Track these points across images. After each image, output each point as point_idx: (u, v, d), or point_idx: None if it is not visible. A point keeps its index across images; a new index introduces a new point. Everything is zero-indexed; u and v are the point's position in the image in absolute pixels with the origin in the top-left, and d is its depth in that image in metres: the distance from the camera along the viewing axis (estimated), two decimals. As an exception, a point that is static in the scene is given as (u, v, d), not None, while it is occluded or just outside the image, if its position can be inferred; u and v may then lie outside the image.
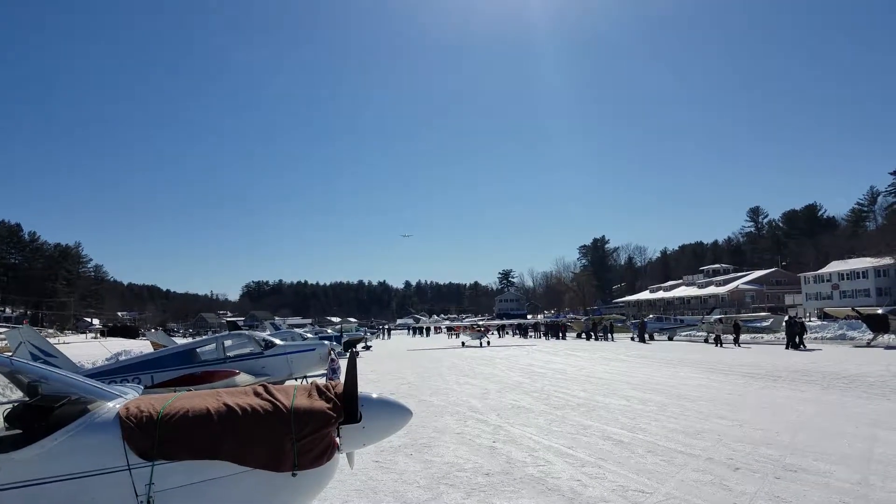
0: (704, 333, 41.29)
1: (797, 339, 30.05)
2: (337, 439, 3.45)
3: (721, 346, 34.38)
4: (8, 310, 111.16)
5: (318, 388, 3.62)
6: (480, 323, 52.62)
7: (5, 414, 3.52)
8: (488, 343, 44.81)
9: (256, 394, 3.47)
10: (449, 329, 77.75)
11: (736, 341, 35.40)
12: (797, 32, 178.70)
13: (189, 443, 3.12)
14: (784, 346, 30.40)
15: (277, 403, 3.35)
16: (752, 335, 39.80)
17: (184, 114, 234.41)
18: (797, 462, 7.21)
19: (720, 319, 40.20)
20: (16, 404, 3.60)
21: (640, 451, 8.02)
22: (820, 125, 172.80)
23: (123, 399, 3.39)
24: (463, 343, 46.06)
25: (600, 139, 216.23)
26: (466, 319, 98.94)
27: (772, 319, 43.77)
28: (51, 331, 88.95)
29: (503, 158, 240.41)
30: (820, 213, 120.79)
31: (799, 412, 10.91)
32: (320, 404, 3.40)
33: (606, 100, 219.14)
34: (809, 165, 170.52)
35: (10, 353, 3.81)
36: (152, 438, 3.07)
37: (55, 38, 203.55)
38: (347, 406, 3.48)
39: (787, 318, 36.42)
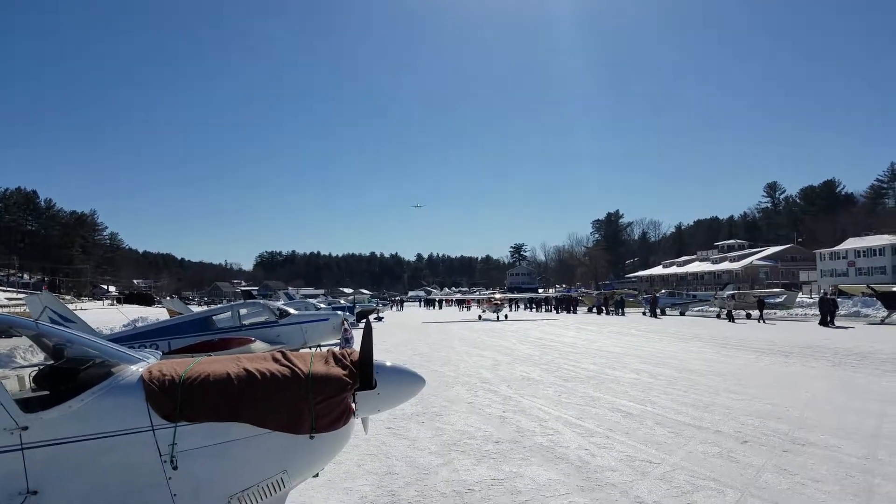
0: (717, 309, 41.20)
1: (829, 317, 29.71)
2: (353, 405, 3.55)
3: (734, 321, 34.30)
4: (26, 276, 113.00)
5: (334, 354, 3.70)
6: (497, 296, 50.04)
7: (33, 375, 3.64)
8: (506, 317, 42.97)
9: (275, 359, 3.56)
10: (460, 302, 78.02)
11: (760, 317, 35.14)
12: (817, 6, 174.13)
13: (210, 405, 3.22)
14: (818, 323, 30.05)
15: (295, 369, 3.44)
16: (765, 311, 39.55)
17: (200, 83, 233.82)
18: (805, 436, 7.28)
19: (733, 295, 39.98)
20: (42, 366, 3.71)
21: (648, 423, 8.12)
22: (840, 100, 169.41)
23: (146, 363, 3.49)
24: (479, 316, 44.51)
25: (615, 113, 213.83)
26: (477, 293, 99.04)
27: (785, 296, 43.54)
28: (68, 297, 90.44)
29: (517, 132, 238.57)
30: (838, 189, 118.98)
31: (809, 387, 10.95)
32: (337, 371, 3.49)
33: (622, 73, 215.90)
34: (828, 141, 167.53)
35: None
36: (175, 400, 3.17)
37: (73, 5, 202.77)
38: (363, 373, 3.57)
39: (820, 294, 36.04)
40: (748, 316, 38.16)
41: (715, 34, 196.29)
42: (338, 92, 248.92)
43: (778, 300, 42.18)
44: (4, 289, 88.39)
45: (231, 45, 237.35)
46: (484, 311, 46.73)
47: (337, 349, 3.91)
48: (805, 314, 41.72)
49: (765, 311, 36.17)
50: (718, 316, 39.85)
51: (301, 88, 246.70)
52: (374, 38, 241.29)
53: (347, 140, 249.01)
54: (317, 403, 3.34)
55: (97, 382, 3.20)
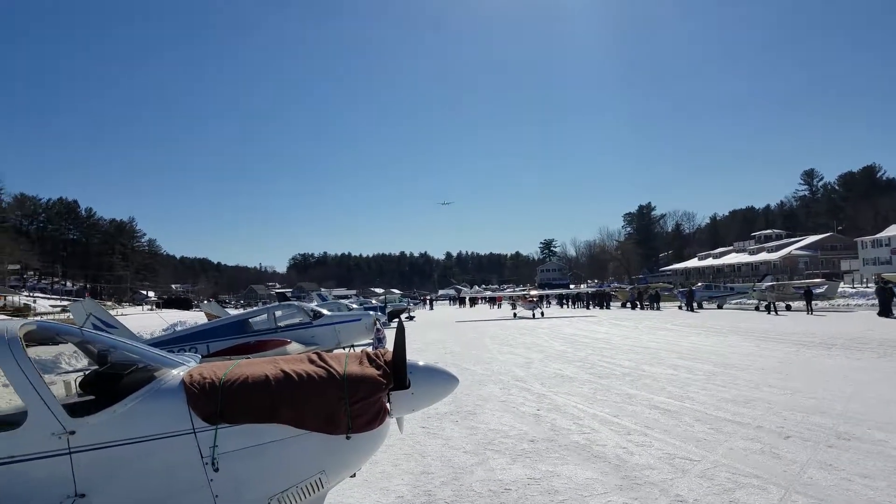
0: (756, 301, 40.34)
1: (888, 306, 28.56)
2: (388, 405, 3.58)
3: (776, 313, 33.51)
4: (69, 283, 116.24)
5: (368, 355, 3.74)
6: (533, 293, 48.09)
7: (79, 381, 3.75)
8: (542, 314, 41.42)
9: (311, 361, 3.61)
10: (491, 300, 77.70)
11: (808, 309, 34.27)
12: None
13: (250, 407, 3.29)
14: (877, 314, 29.08)
15: (331, 370, 3.49)
16: (796, 302, 38.63)
17: (230, 94, 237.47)
18: (850, 430, 7.09)
19: (773, 286, 39.02)
20: (88, 372, 3.83)
21: (687, 420, 7.99)
22: (877, 83, 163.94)
23: (186, 367, 3.57)
24: (515, 314, 42.84)
25: (645, 104, 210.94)
26: (507, 290, 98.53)
27: (826, 286, 42.43)
28: (109, 303, 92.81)
29: (543, 126, 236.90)
30: (879, 174, 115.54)
31: (853, 380, 10.66)
32: (371, 371, 3.53)
33: (652, 64, 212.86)
34: (866, 126, 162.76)
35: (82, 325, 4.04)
36: (215, 403, 3.24)
37: (109, 20, 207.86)
38: (397, 373, 3.60)
39: (878, 283, 34.89)
40: (788, 308, 37.30)
41: (746, 19, 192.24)
42: (366, 94, 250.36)
43: (819, 291, 41.11)
44: (49, 296, 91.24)
45: (265, 53, 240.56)
46: (515, 308, 46.18)
47: (370, 349, 3.94)
48: (848, 304, 40.62)
49: (796, 304, 35.34)
50: (757, 308, 39.03)
51: (329, 96, 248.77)
52: (396, 34, 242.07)
53: (375, 142, 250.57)
54: (353, 404, 3.38)
55: (140, 387, 3.29)
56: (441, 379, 3.86)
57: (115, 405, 3.16)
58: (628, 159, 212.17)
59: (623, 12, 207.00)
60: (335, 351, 13.98)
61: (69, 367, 13.51)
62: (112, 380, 3.40)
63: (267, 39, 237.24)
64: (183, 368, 3.53)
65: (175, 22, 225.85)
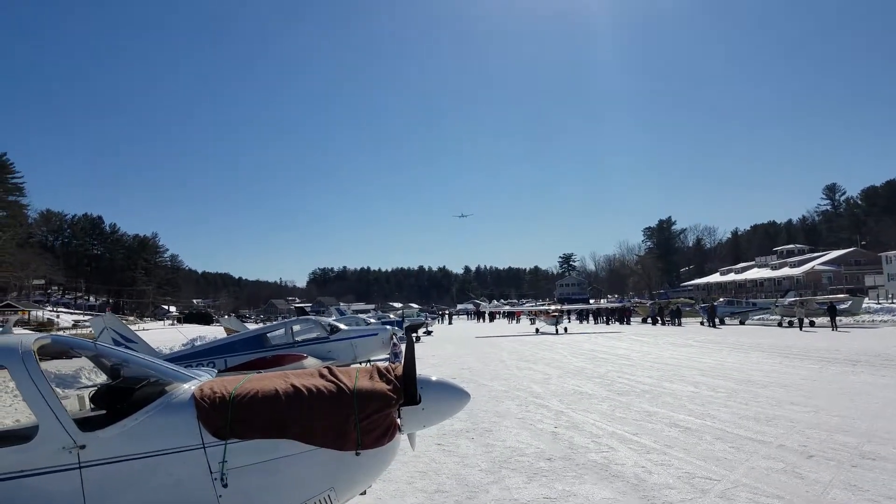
0: (778, 317, 39.68)
1: None
2: (398, 420, 3.54)
3: (802, 329, 32.85)
4: (92, 298, 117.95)
5: (379, 370, 3.71)
6: (552, 308, 46.51)
7: (91, 395, 3.77)
8: (565, 330, 39.61)
9: (321, 375, 3.59)
10: (509, 314, 77.29)
11: (832, 325, 33.66)
12: (868, 3, 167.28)
13: (259, 422, 3.27)
14: None
15: (341, 385, 3.46)
16: (821, 318, 37.81)
17: (250, 112, 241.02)
18: (876, 450, 6.90)
19: (801, 302, 38.22)
20: (100, 386, 3.84)
21: (708, 438, 7.84)
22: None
23: (198, 381, 3.57)
24: (537, 330, 40.46)
25: (664, 118, 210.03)
26: (526, 304, 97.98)
27: (850, 301, 41.64)
28: (131, 318, 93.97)
29: (563, 139, 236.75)
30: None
31: (878, 398, 10.40)
32: (381, 386, 3.50)
33: (671, 77, 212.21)
34: (888, 138, 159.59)
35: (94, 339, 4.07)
36: (225, 418, 3.23)
37: (130, 35, 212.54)
38: (407, 388, 3.56)
39: None
40: (812, 324, 36.64)
41: (765, 31, 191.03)
42: (385, 108, 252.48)
43: (843, 306, 40.33)
44: (73, 311, 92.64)
45: (285, 67, 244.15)
46: (534, 322, 45.46)
47: (382, 364, 3.91)
48: (873, 320, 39.81)
49: (820, 319, 34.71)
50: (780, 324, 38.40)
51: (349, 109, 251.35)
52: (419, 48, 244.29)
53: (393, 156, 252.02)
54: (362, 419, 3.35)
55: (151, 401, 3.30)
56: (452, 394, 3.82)
57: (126, 419, 3.17)
58: (648, 173, 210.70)
59: (644, 24, 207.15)
60: (352, 365, 13.98)
61: (89, 381, 13.66)
62: (123, 394, 3.41)
63: (286, 52, 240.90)
64: (194, 383, 3.53)
65: (196, 35, 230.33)
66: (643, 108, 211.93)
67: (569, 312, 63.97)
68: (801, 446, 7.21)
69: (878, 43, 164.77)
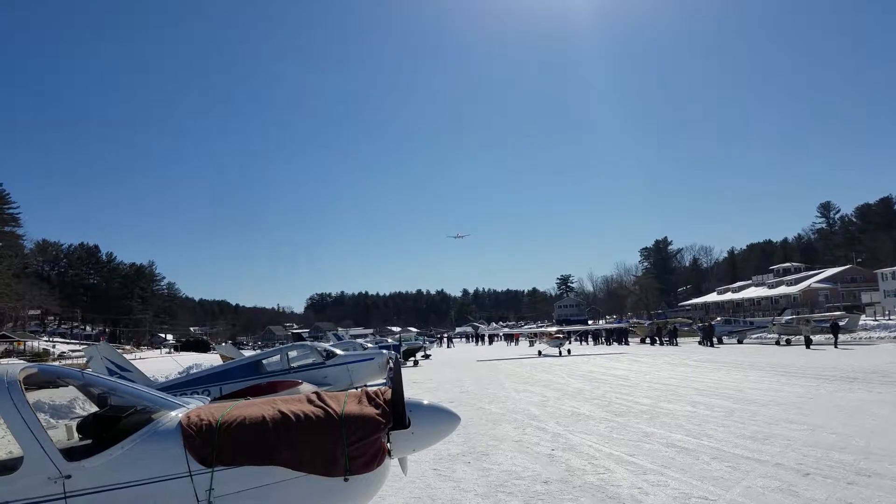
0: (776, 335, 39.67)
1: None
2: (387, 444, 3.53)
3: (808, 346, 32.71)
4: (88, 328, 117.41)
5: (367, 394, 3.71)
6: (552, 329, 45.46)
7: (77, 424, 3.75)
8: (569, 352, 38.58)
9: (309, 401, 3.59)
10: (508, 336, 77.13)
11: (835, 343, 33.55)
12: (859, 22, 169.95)
13: (246, 449, 3.26)
14: None
15: (329, 410, 3.46)
16: (827, 335, 37.84)
17: (245, 141, 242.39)
18: (872, 467, 6.87)
19: (806, 319, 37.94)
20: (87, 415, 3.83)
21: (704, 458, 7.80)
22: (894, 114, 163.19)
23: (186, 409, 3.57)
24: (540, 352, 39.24)
25: (659, 138, 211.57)
26: (525, 326, 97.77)
27: (847, 319, 41.69)
28: (128, 347, 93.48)
29: (558, 161, 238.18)
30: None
31: (875, 415, 10.39)
32: (370, 410, 3.49)
33: (666, 98, 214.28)
34: (883, 157, 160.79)
35: (84, 368, 4.07)
36: (211, 445, 3.22)
37: (126, 66, 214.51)
38: (396, 412, 3.55)
39: None
40: (808, 342, 36.65)
41: (759, 52, 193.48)
42: (381, 132, 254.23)
43: (841, 324, 40.37)
44: (69, 341, 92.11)
45: (279, 96, 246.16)
46: (532, 345, 44.99)
47: (371, 388, 3.90)
48: (870, 337, 39.80)
49: (823, 336, 34.58)
50: (777, 343, 38.37)
51: (340, 130, 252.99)
52: (412, 73, 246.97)
53: (389, 180, 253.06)
54: (350, 444, 3.34)
55: (138, 429, 3.29)
56: (442, 417, 3.81)
57: (112, 448, 3.16)
58: (643, 194, 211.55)
59: (639, 47, 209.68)
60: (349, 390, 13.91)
61: (83, 411, 13.55)
62: (110, 422, 3.40)
63: (280, 82, 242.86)
64: (182, 410, 3.52)
65: (192, 66, 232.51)
66: (639, 133, 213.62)
67: (570, 333, 62.36)
68: (798, 464, 7.18)
69: (869, 61, 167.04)
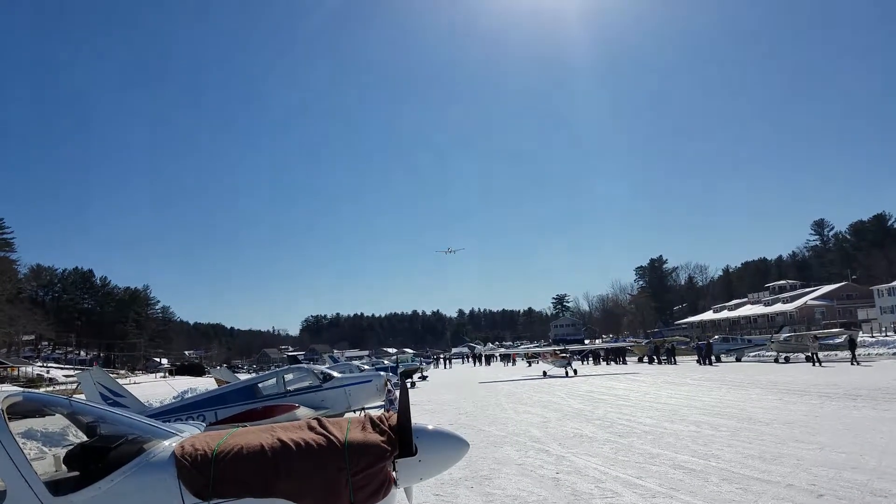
0: (774, 353, 39.49)
1: None
2: (393, 473, 3.35)
3: (816, 363, 32.13)
4: (83, 353, 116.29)
5: (372, 420, 3.53)
6: (549, 349, 43.54)
7: (63, 456, 3.57)
8: (575, 372, 37.00)
9: (311, 428, 3.41)
10: (504, 356, 76.65)
11: (853, 359, 32.82)
12: (855, 36, 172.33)
13: (243, 480, 3.08)
14: None
15: (331, 437, 3.28)
16: (825, 353, 37.62)
17: (238, 164, 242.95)
18: (886, 487, 6.70)
19: (814, 336, 37.30)
20: (74, 446, 3.65)
21: (714, 480, 7.61)
22: (885, 131, 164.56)
23: (179, 437, 3.39)
24: (545, 373, 38.15)
25: (652, 158, 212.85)
26: (521, 346, 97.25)
27: (845, 336, 41.59)
28: (122, 371, 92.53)
29: (552, 180, 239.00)
30: (890, 222, 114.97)
31: (884, 433, 10.21)
32: (375, 437, 3.31)
33: (658, 117, 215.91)
34: (875, 174, 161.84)
35: (75, 396, 3.89)
36: (207, 477, 3.04)
37: (119, 86, 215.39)
38: (402, 439, 3.37)
39: None
40: (808, 359, 36.49)
41: (752, 70, 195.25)
42: (374, 154, 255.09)
43: (837, 341, 40.22)
44: (63, 366, 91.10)
45: (266, 122, 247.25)
46: (530, 365, 44.42)
47: (375, 414, 3.72)
48: (869, 354, 39.65)
49: (822, 354, 34.27)
50: (776, 360, 38.19)
51: (333, 150, 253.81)
52: (404, 93, 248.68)
53: (383, 201, 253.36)
54: (354, 474, 3.15)
55: (128, 460, 3.10)
56: (450, 444, 3.62)
57: (100, 481, 2.97)
58: (637, 212, 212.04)
59: (631, 66, 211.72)
60: (344, 415, 13.65)
61: (77, 439, 13.25)
62: (99, 453, 3.22)
63: (274, 106, 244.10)
64: (176, 439, 3.34)
65: (184, 88, 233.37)
66: (630, 151, 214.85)
67: (575, 353, 58.66)
68: (810, 485, 7.00)
69: (863, 78, 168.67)
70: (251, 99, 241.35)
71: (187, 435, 3.48)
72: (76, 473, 3.33)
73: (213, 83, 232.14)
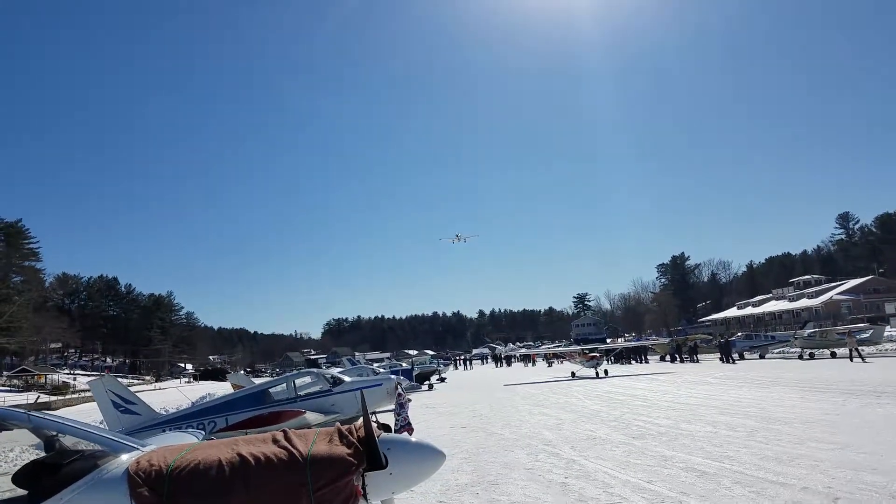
0: (799, 349, 38.68)
1: None
2: (360, 488, 3.18)
3: (853, 360, 31.36)
4: (109, 359, 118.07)
5: (340, 432, 3.37)
6: (574, 349, 41.88)
7: (14, 474, 3.45)
8: (605, 372, 34.86)
9: (275, 440, 3.27)
10: (525, 357, 76.26)
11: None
12: (876, 26, 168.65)
13: (199, 496, 2.94)
14: None
15: (293, 451, 3.13)
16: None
17: (261, 169, 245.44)
18: (907, 491, 6.38)
19: (849, 332, 36.37)
20: (26, 463, 3.54)
21: (726, 483, 7.34)
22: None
23: (140, 452, 3.26)
24: (573, 373, 35.81)
25: (673, 154, 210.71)
26: (543, 346, 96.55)
27: (872, 330, 40.61)
28: (147, 377, 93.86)
29: (572, 179, 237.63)
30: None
31: (908, 432, 9.81)
32: (340, 450, 3.15)
33: (680, 113, 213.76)
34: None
35: (33, 410, 3.79)
36: (160, 494, 2.91)
37: (142, 94, 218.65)
38: (371, 451, 3.20)
39: None
40: (833, 355, 35.66)
41: (774, 63, 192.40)
42: (397, 153, 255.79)
43: (864, 335, 39.24)
44: (89, 373, 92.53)
45: (286, 126, 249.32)
46: (550, 365, 43.99)
47: (345, 426, 3.55)
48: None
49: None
50: (801, 357, 37.38)
51: (353, 154, 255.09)
52: (423, 92, 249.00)
53: (403, 204, 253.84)
54: (316, 490, 2.99)
55: (80, 477, 2.98)
56: (423, 455, 3.44)
57: (48, 500, 2.85)
58: (658, 209, 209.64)
59: (650, 61, 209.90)
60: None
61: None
62: (50, 470, 3.10)
63: (293, 109, 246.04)
64: (135, 454, 3.21)
65: (208, 94, 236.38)
66: (653, 149, 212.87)
67: (608, 353, 50.18)
68: (826, 487, 6.72)
69: (887, 71, 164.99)
70: (271, 104, 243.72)
71: (149, 450, 3.35)
72: (23, 493, 3.22)
73: (233, 91, 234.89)
